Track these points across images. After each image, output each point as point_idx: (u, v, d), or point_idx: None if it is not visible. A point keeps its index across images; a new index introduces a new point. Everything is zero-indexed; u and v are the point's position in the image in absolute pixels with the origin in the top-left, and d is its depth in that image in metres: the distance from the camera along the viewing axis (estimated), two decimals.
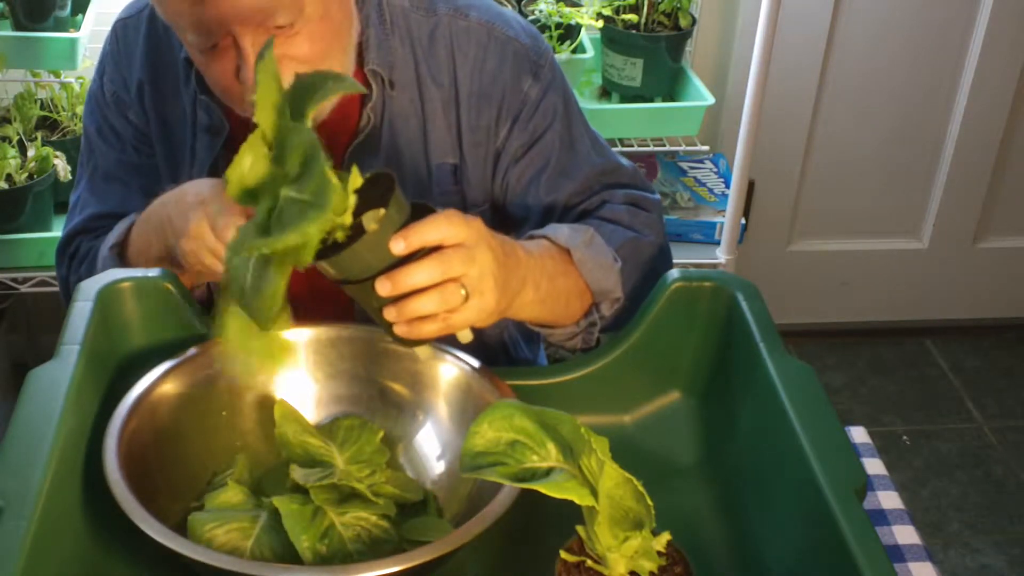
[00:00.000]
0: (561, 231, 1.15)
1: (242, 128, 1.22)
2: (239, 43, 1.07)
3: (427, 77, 1.24)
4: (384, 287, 0.92)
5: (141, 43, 1.28)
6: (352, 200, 0.87)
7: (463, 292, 0.95)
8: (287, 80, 1.08)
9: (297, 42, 1.09)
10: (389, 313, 0.94)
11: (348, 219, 0.87)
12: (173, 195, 1.14)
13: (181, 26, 1.08)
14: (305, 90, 0.88)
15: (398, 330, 0.96)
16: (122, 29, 1.30)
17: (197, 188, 1.10)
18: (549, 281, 1.09)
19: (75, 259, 1.31)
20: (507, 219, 1.29)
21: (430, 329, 0.96)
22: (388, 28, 1.22)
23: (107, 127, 1.31)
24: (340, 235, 0.89)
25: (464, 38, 1.24)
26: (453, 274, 0.94)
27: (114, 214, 1.29)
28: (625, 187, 1.28)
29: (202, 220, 1.05)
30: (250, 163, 0.86)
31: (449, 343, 1.04)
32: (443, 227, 0.93)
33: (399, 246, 0.91)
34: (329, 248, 0.88)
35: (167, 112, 1.28)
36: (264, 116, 0.86)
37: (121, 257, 1.20)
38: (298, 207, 0.83)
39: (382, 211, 0.89)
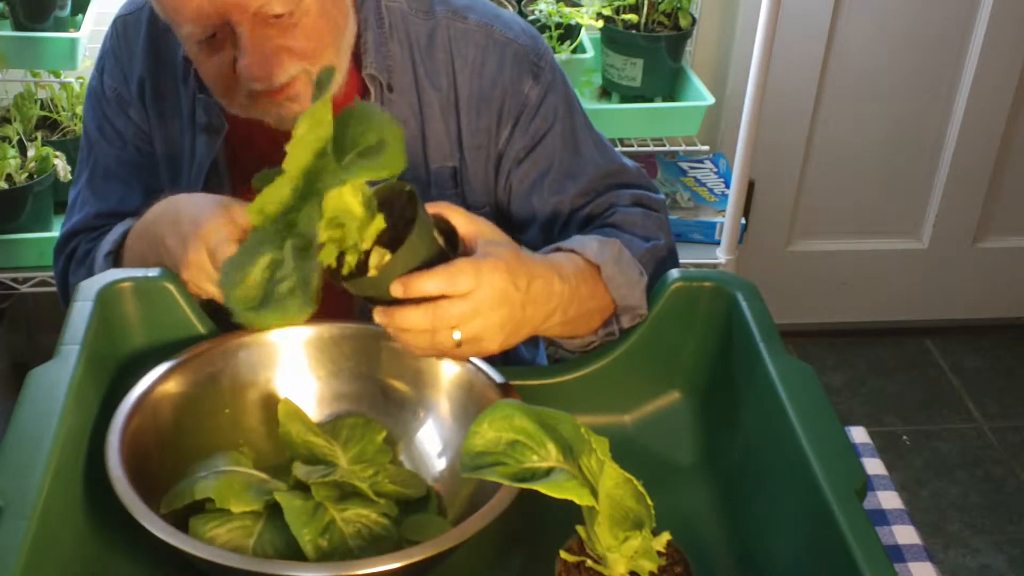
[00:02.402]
0: (590, 245, 1.13)
1: (241, 127, 1.22)
2: (236, 33, 1.07)
3: (425, 80, 1.23)
4: (379, 317, 0.95)
5: (142, 40, 1.28)
6: (373, 234, 0.89)
7: (457, 337, 0.96)
8: (284, 71, 1.09)
9: (294, 34, 1.09)
10: (389, 331, 0.97)
11: (368, 245, 0.90)
12: (168, 212, 1.13)
13: (178, 20, 1.08)
14: (345, 132, 0.87)
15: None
16: (123, 26, 1.30)
17: (193, 214, 1.08)
18: (579, 305, 1.08)
19: (73, 259, 1.31)
20: (511, 221, 1.29)
21: (426, 353, 0.99)
22: (387, 31, 1.22)
23: (107, 124, 1.31)
24: (351, 260, 0.91)
25: (462, 40, 1.24)
26: (445, 325, 0.95)
27: (114, 212, 1.29)
28: (631, 187, 1.28)
29: (201, 250, 1.05)
30: (273, 201, 0.88)
31: None
32: (445, 281, 0.93)
33: (398, 290, 0.92)
34: (338, 274, 0.91)
35: (167, 110, 1.28)
36: (296, 160, 0.86)
37: (116, 265, 1.20)
38: (287, 285, 0.86)
39: (387, 256, 0.91)
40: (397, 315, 0.94)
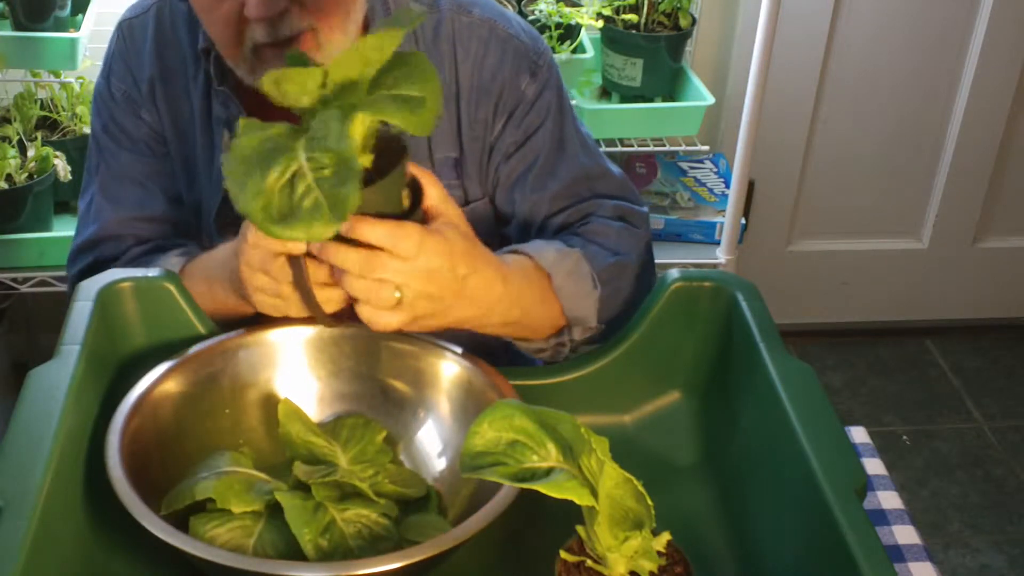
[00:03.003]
0: (547, 254, 1.14)
1: (261, 117, 1.22)
2: None
3: None
4: (315, 247, 0.95)
5: (149, 43, 1.28)
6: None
7: (397, 296, 0.96)
8: (289, 20, 1.09)
9: None
10: (333, 271, 0.97)
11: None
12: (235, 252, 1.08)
13: None
14: (391, 71, 0.85)
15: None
16: (129, 29, 1.31)
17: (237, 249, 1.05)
18: (523, 312, 1.09)
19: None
20: (496, 214, 1.30)
21: (363, 299, 0.97)
22: None
23: (116, 127, 1.30)
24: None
25: (466, 33, 1.25)
26: (377, 275, 0.94)
27: (134, 217, 1.28)
28: (614, 198, 1.28)
29: (259, 278, 1.03)
30: (295, 83, 0.85)
31: (448, 338, 1.05)
32: (389, 235, 0.93)
33: (345, 225, 0.91)
34: None
35: (178, 110, 1.28)
36: (340, 67, 0.85)
37: None
38: (311, 200, 0.82)
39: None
40: (334, 250, 0.94)
